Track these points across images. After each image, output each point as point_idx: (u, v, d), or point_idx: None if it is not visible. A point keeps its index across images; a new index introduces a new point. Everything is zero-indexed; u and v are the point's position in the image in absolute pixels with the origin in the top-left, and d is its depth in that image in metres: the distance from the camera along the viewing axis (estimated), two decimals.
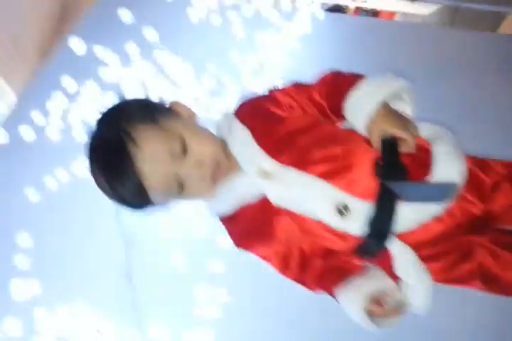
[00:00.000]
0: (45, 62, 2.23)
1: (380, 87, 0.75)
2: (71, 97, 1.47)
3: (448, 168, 0.74)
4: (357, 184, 0.73)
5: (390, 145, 0.73)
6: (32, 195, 1.44)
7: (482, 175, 0.79)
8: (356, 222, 0.72)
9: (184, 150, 0.73)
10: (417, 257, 0.75)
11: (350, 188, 0.73)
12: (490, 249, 0.79)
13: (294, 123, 0.79)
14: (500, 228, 0.83)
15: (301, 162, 0.75)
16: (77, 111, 1.47)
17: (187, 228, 1.39)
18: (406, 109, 0.79)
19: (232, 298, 1.34)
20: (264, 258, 0.83)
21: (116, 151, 0.71)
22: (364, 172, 0.73)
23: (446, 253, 0.77)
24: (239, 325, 1.37)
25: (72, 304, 1.24)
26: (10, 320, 1.16)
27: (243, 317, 1.39)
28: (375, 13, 7.20)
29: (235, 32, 1.71)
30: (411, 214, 0.72)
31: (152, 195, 0.73)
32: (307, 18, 1.93)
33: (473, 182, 0.77)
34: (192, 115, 0.82)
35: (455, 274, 0.78)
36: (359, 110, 0.74)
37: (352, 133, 0.78)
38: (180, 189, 0.74)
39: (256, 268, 1.37)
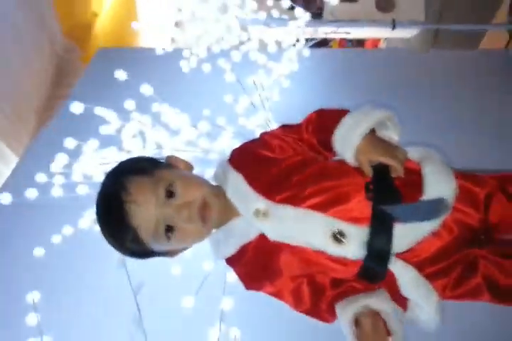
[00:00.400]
0: (45, 125, 2.33)
1: (362, 119, 0.80)
2: (74, 156, 1.51)
3: (439, 186, 0.77)
4: (350, 211, 0.76)
5: (380, 172, 0.76)
6: (39, 252, 1.46)
7: (474, 188, 0.81)
8: (353, 246, 0.74)
9: (171, 194, 0.77)
10: (419, 275, 0.75)
11: (343, 215, 0.75)
12: (492, 260, 0.80)
13: (285, 162, 0.83)
14: (499, 238, 0.84)
15: (294, 198, 0.78)
16: (81, 168, 1.51)
17: (194, 268, 1.40)
18: (392, 135, 0.83)
19: (244, 334, 1.31)
20: (276, 295, 0.84)
21: (112, 201, 0.77)
22: (356, 199, 0.76)
23: (451, 269, 0.78)
24: None
25: None
26: None
27: None
28: (360, 43, 7.45)
29: (225, 77, 1.77)
30: (406, 233, 0.74)
31: (147, 240, 0.77)
32: (293, 56, 2.00)
33: (466, 195, 0.79)
34: (188, 165, 0.88)
35: (463, 289, 0.79)
36: (346, 143, 0.79)
37: (342, 164, 0.82)
38: (169, 232, 0.77)
39: (266, 302, 1.39)
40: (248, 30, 2.03)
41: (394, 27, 2.06)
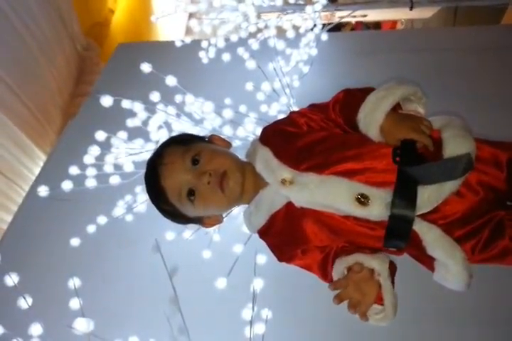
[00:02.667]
0: (71, 120, 2.40)
1: (385, 96, 0.82)
2: (105, 148, 1.57)
3: (458, 146, 0.79)
4: (373, 176, 0.79)
5: (407, 145, 0.79)
6: (76, 242, 1.53)
7: (496, 150, 0.83)
8: (377, 208, 0.77)
9: (197, 162, 0.86)
10: (444, 233, 0.78)
11: (367, 180, 0.79)
12: None
13: (310, 136, 0.88)
14: None
15: (317, 166, 0.82)
16: (112, 160, 1.57)
17: (224, 250, 1.46)
18: (418, 108, 0.85)
19: (276, 313, 1.35)
20: (306, 267, 0.89)
21: (149, 165, 0.92)
22: (380, 165, 0.80)
23: (479, 231, 0.80)
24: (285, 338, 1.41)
25: (126, 335, 1.28)
26: None
27: (288, 330, 1.44)
28: (377, 26, 7.29)
29: (245, 65, 1.79)
30: (430, 193, 0.77)
31: (174, 202, 0.87)
32: (311, 42, 2.01)
33: (488, 157, 0.82)
34: (226, 143, 0.97)
35: (492, 252, 0.80)
36: (370, 122, 0.82)
37: (365, 137, 0.85)
38: (192, 196, 0.86)
39: (296, 283, 1.42)
40: (265, 17, 2.04)
41: (412, 7, 2.03)
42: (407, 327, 1.42)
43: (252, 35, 2.04)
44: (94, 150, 1.50)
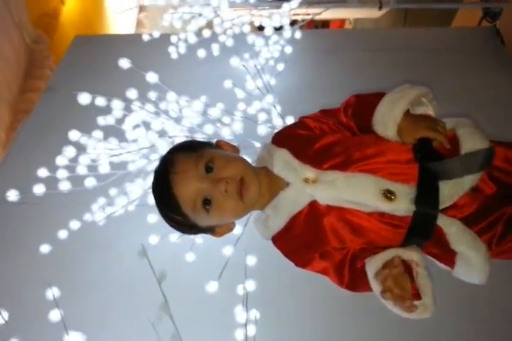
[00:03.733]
0: (23, 118, 2.23)
1: (400, 97, 0.85)
2: (80, 149, 1.47)
3: (475, 142, 0.83)
4: (396, 172, 0.81)
5: (424, 144, 0.82)
6: (47, 248, 1.44)
7: (505, 148, 0.88)
8: (403, 203, 0.79)
9: (211, 170, 0.83)
10: (466, 227, 0.80)
11: (391, 176, 0.80)
12: None
13: (326, 138, 0.88)
14: None
15: (340, 165, 0.83)
16: (87, 161, 1.47)
17: (214, 253, 1.42)
18: (428, 111, 0.88)
19: (265, 314, 1.34)
20: (322, 271, 0.87)
21: (159, 173, 0.87)
22: (401, 161, 0.82)
23: (493, 226, 0.83)
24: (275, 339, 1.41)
25: None
26: None
27: (278, 331, 1.43)
28: (325, 24, 7.44)
29: (218, 61, 1.75)
30: (450, 189, 0.79)
31: (187, 212, 0.83)
32: (284, 39, 2.00)
33: (499, 154, 0.85)
34: (234, 149, 0.94)
35: (505, 246, 0.84)
36: (387, 122, 0.84)
37: (380, 138, 0.86)
38: (208, 205, 0.82)
39: (286, 285, 1.43)
40: (237, 14, 2.01)
41: (381, 7, 2.09)
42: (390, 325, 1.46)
43: (224, 31, 2.00)
44: (68, 151, 1.40)
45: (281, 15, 1.96)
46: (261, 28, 2.02)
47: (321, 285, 1.49)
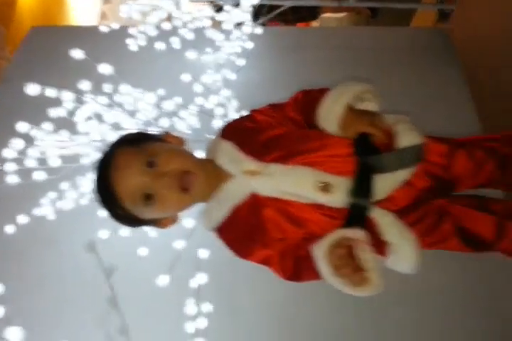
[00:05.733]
0: None
1: (343, 92, 0.88)
2: (28, 141, 1.43)
3: (410, 138, 0.86)
4: (335, 165, 0.84)
5: (363, 139, 0.85)
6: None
7: (438, 144, 0.92)
8: (339, 195, 0.82)
9: (153, 164, 0.82)
10: (397, 218, 0.84)
11: (329, 169, 0.83)
12: (460, 209, 0.90)
13: (272, 131, 0.90)
14: (461, 193, 0.96)
15: (282, 157, 0.85)
16: (35, 153, 1.43)
17: (167, 247, 1.41)
18: (373, 106, 0.91)
19: (218, 307, 1.35)
20: (264, 262, 0.88)
21: (101, 168, 0.85)
22: (340, 155, 0.84)
23: (424, 217, 0.87)
24: (227, 332, 1.42)
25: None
26: None
27: (230, 323, 1.44)
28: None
29: (178, 55, 1.74)
30: (385, 182, 0.83)
31: (129, 206, 0.82)
32: (246, 34, 2.00)
33: (432, 150, 0.90)
34: (179, 141, 0.92)
35: (435, 237, 0.88)
36: (329, 116, 0.87)
37: (323, 132, 0.89)
38: (149, 200, 0.81)
39: (238, 277, 1.43)
40: (199, 8, 1.99)
41: (340, 4, 2.12)
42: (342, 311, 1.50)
43: (185, 24, 1.98)
44: (16, 144, 1.35)
45: (243, 11, 1.95)
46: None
47: (275, 277, 1.52)
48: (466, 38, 2.08)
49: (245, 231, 0.86)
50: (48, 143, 1.39)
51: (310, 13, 3.52)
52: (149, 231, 1.40)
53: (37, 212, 1.46)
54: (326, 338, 1.49)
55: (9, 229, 1.48)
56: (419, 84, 1.89)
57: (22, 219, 1.48)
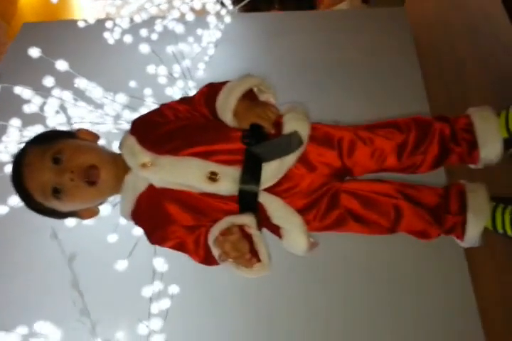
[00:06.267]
0: None
1: (236, 86, 0.92)
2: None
3: (293, 124, 0.90)
4: (225, 156, 0.88)
5: (254, 126, 0.89)
6: None
7: (330, 130, 0.94)
8: (226, 184, 0.86)
9: (58, 161, 0.87)
10: (284, 203, 0.88)
11: (217, 159, 0.87)
12: (352, 192, 0.92)
13: (172, 125, 0.94)
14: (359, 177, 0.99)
15: (174, 150, 0.89)
16: (6, 148, 1.52)
17: (124, 232, 1.48)
18: (270, 98, 0.96)
19: (180, 289, 1.42)
20: (178, 247, 0.93)
21: (14, 165, 0.91)
22: (231, 147, 0.88)
23: (317, 202, 0.91)
24: (188, 314, 1.49)
25: (30, 323, 1.29)
26: None
27: (194, 305, 1.51)
28: None
29: (149, 47, 1.78)
30: (272, 169, 0.87)
31: (41, 200, 0.89)
32: (219, 23, 2.02)
33: (324, 137, 0.93)
34: (93, 137, 0.98)
35: (329, 220, 0.91)
36: (224, 108, 0.91)
37: (222, 123, 0.93)
38: (58, 194, 0.87)
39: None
40: None
41: None
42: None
43: (157, 16, 2.02)
44: None
45: None
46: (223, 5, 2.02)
47: None
48: (418, 17, 2.06)
49: (153, 220, 0.91)
50: (15, 139, 1.48)
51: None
52: (111, 219, 1.48)
53: (11, 202, 1.56)
54: (293, 323, 1.54)
55: None
56: (376, 61, 1.88)
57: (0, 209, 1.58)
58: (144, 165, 0.88)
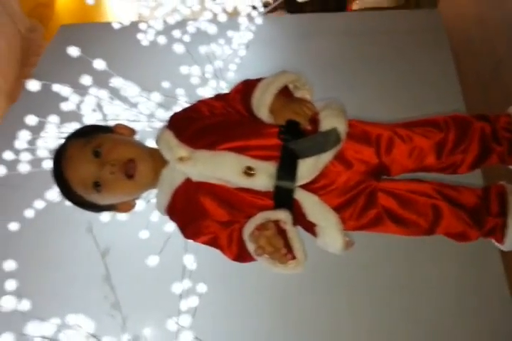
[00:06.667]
0: (12, 106, 2.35)
1: (272, 82, 0.92)
2: (37, 133, 1.57)
3: (331, 121, 0.89)
4: (261, 151, 0.88)
5: (291, 122, 0.89)
6: (14, 226, 1.54)
7: (366, 127, 0.93)
8: (262, 179, 0.86)
9: (99, 154, 0.89)
10: (320, 200, 0.87)
11: (254, 155, 0.87)
12: (390, 191, 0.91)
13: (210, 120, 0.95)
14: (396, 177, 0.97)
15: (211, 144, 0.90)
16: (44, 144, 1.57)
17: (156, 230, 1.51)
18: (306, 94, 0.96)
19: (209, 287, 1.43)
20: (212, 242, 0.93)
21: (55, 158, 0.93)
22: (265, 141, 0.88)
23: (353, 201, 0.90)
24: (217, 312, 1.51)
25: (63, 314, 1.33)
26: (5, 336, 1.26)
27: (221, 303, 1.52)
28: None
29: (180, 48, 1.81)
30: (308, 166, 0.86)
31: (81, 193, 0.90)
32: (249, 25, 2.04)
33: (361, 134, 0.92)
34: (130, 132, 1.00)
35: (365, 219, 0.90)
36: (260, 104, 0.92)
37: (258, 119, 0.93)
38: (97, 187, 0.89)
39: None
40: (202, 1, 2.05)
41: None
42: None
43: (190, 18, 2.05)
44: (24, 135, 1.50)
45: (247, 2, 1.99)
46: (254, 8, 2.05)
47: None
48: (453, 18, 2.02)
49: (188, 214, 0.92)
50: (53, 135, 1.52)
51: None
52: (144, 215, 1.51)
53: (49, 197, 1.61)
54: (319, 324, 1.53)
55: (28, 212, 1.64)
56: (410, 61, 1.86)
57: (39, 203, 1.63)
58: (181, 159, 0.90)
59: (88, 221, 1.43)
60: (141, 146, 0.97)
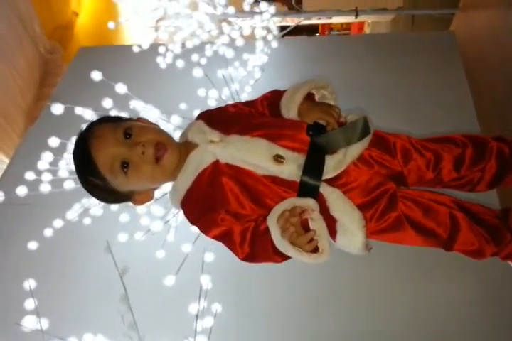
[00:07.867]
0: (32, 127, 2.42)
1: (302, 85, 0.99)
2: (59, 154, 1.61)
3: (357, 116, 0.94)
4: (290, 142, 0.91)
5: (319, 126, 0.94)
6: (33, 245, 1.57)
7: (386, 135, 0.98)
8: (290, 167, 0.88)
9: (129, 136, 0.90)
10: (344, 195, 0.88)
11: (284, 143, 0.90)
12: (412, 199, 0.93)
13: (238, 112, 1.03)
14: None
15: (243, 130, 0.93)
16: (66, 165, 1.61)
17: (173, 251, 1.52)
18: (330, 101, 1.02)
19: (223, 307, 1.44)
20: (224, 235, 0.91)
21: (79, 139, 0.92)
22: (296, 136, 0.92)
23: (375, 202, 0.91)
24: (231, 332, 1.51)
25: (81, 334, 1.34)
26: None
27: (236, 324, 1.52)
28: (346, 29, 7.46)
29: (197, 72, 1.86)
30: (335, 162, 0.89)
31: (105, 174, 0.88)
32: (265, 48, 2.09)
33: (381, 142, 0.97)
34: (153, 124, 1.02)
35: (385, 223, 0.90)
36: (290, 103, 0.98)
37: (284, 119, 1.00)
38: (125, 168, 0.88)
39: (244, 277, 1.51)
40: (219, 25, 2.12)
41: (357, 15, 2.15)
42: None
43: (207, 42, 2.11)
44: (47, 156, 1.55)
45: (262, 25, 2.05)
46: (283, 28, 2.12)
47: (279, 279, 1.58)
48: (467, 40, 2.05)
49: (206, 200, 0.91)
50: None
51: None
52: (162, 235, 1.53)
53: (69, 216, 1.64)
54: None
55: (47, 232, 1.67)
56: (423, 83, 1.89)
57: (57, 223, 1.67)
58: (212, 142, 0.92)
59: (106, 240, 1.45)
60: (168, 134, 0.99)
